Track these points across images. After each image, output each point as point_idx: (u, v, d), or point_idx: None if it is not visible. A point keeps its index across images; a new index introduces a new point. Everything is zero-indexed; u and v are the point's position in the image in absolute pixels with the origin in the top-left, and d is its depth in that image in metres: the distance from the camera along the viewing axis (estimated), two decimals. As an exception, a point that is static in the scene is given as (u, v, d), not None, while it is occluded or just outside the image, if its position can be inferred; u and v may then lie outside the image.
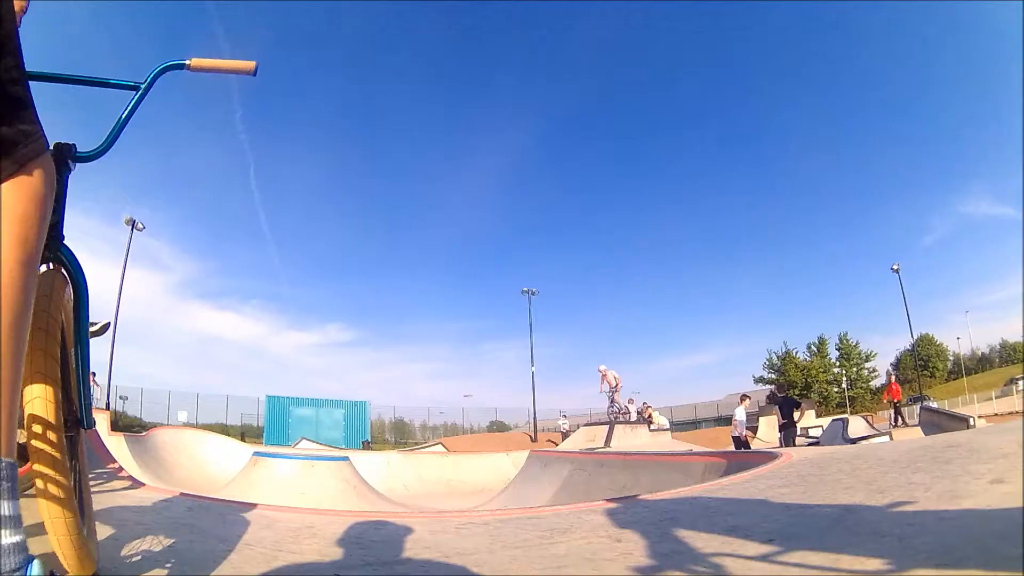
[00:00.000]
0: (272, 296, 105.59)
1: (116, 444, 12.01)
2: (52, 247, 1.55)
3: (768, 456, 5.15)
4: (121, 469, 3.98)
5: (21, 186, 1.17)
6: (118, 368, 43.60)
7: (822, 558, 1.76)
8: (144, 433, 17.13)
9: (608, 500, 3.84)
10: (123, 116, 1.82)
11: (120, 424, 27.22)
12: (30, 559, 1.00)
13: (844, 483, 3.06)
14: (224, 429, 35.78)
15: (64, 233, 1.55)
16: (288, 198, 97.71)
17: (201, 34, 71.44)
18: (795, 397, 20.55)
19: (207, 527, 2.59)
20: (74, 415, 1.69)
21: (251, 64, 2.04)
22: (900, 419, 23.79)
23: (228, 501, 3.56)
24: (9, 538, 0.99)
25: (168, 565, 1.84)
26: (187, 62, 1.97)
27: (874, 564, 1.65)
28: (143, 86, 1.88)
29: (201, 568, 1.88)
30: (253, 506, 3.11)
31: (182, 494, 3.37)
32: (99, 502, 2.67)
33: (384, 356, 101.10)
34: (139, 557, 1.88)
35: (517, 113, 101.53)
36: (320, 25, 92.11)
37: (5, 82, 1.17)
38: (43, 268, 1.55)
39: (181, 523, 2.57)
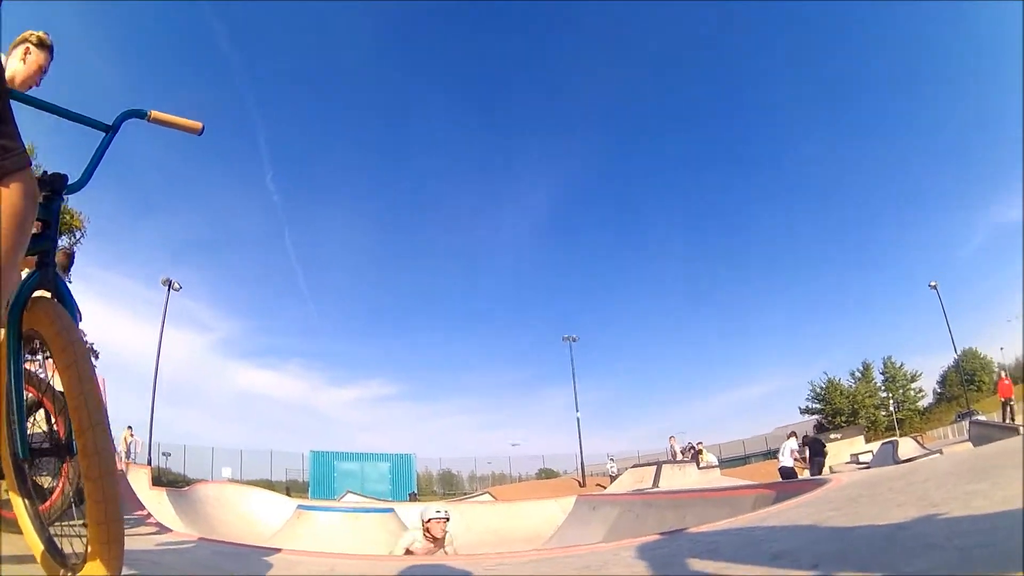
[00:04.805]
0: (312, 354, 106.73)
1: (157, 497, 12.12)
2: (46, 275, 1.57)
3: (817, 483, 5.04)
4: (149, 516, 3.97)
5: None
6: (161, 425, 44.62)
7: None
8: (187, 488, 17.28)
9: (650, 535, 3.69)
10: (97, 154, 1.97)
11: (164, 480, 27.61)
12: None
13: (896, 500, 2.90)
14: (269, 485, 35.91)
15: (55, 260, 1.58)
16: (323, 256, 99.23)
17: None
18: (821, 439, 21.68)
19: (226, 566, 2.51)
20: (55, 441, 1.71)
21: (198, 124, 2.26)
22: (1011, 417, 23.12)
23: (251, 546, 3.50)
24: None
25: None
26: (148, 112, 2.15)
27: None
28: (112, 126, 2.04)
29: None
30: (277, 551, 3.05)
31: (200, 539, 3.32)
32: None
33: (429, 409, 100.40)
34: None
35: (555, 160, 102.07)
36: (348, 79, 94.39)
37: None
38: (41, 293, 1.57)
39: (200, 563, 2.53)
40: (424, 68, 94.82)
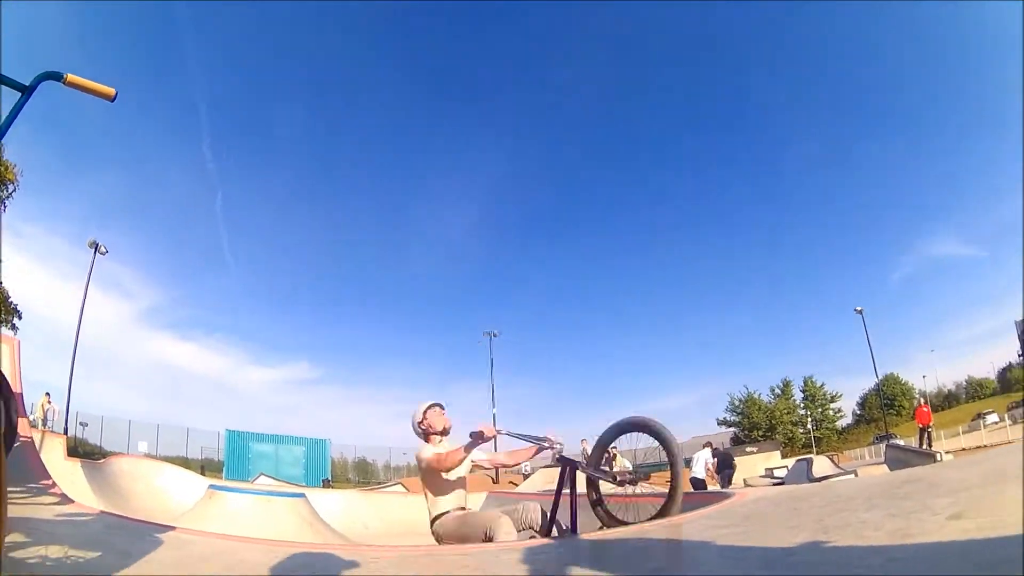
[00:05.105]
0: (236, 330, 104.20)
1: (71, 469, 11.84)
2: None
3: (721, 496, 5.11)
4: (53, 485, 4.03)
5: None
6: (80, 394, 42.85)
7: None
8: (102, 460, 16.83)
9: (535, 539, 3.88)
10: (12, 113, 2.00)
11: (80, 451, 26.72)
12: None
13: (791, 523, 2.93)
14: (185, 462, 35.22)
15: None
16: (256, 232, 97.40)
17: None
18: (731, 452, 22.37)
19: (117, 543, 2.57)
20: None
21: (111, 91, 2.29)
22: (928, 443, 23.92)
23: (151, 523, 3.61)
24: None
25: (60, 570, 1.88)
26: (64, 76, 2.18)
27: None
28: (28, 87, 2.07)
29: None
30: (172, 528, 3.17)
31: (102, 512, 3.42)
32: (20, 512, 2.74)
33: (348, 394, 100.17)
34: (35, 560, 1.92)
35: (490, 155, 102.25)
36: (295, 58, 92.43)
37: None
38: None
39: (93, 537, 2.60)
40: (373, 52, 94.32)
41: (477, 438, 4.37)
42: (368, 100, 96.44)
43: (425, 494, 4.68)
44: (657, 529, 3.71)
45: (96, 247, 31.42)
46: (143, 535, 2.96)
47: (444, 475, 4.59)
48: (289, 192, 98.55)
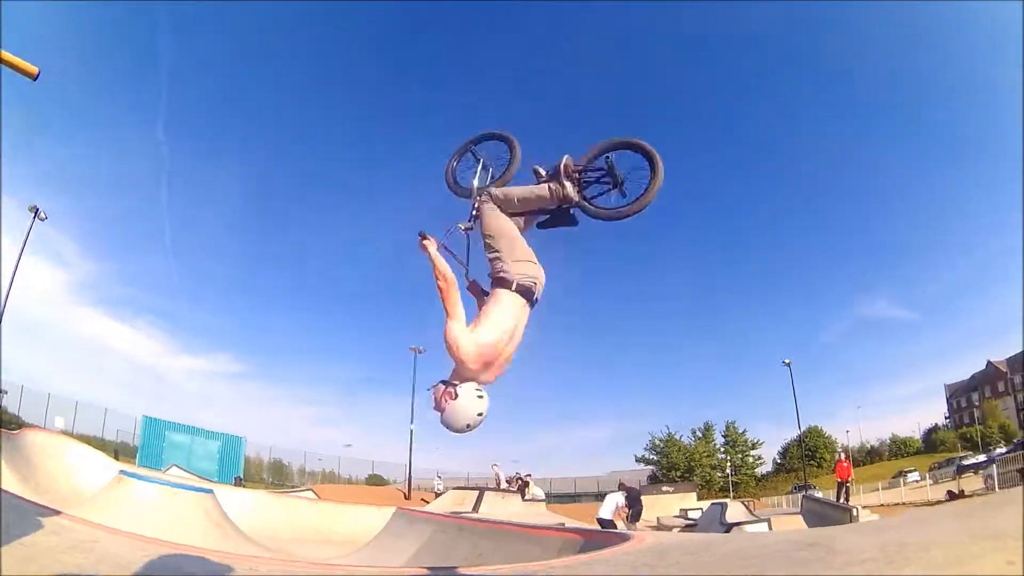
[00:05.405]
0: (166, 314, 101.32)
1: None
2: None
3: (621, 538, 5.16)
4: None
5: None
6: (5, 359, 40.94)
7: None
8: (17, 432, 16.58)
9: (426, 568, 3.98)
10: None
11: (-1, 418, 25.87)
12: None
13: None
14: (101, 443, 34.13)
15: None
16: (198, 219, 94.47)
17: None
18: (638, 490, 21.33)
19: None
20: None
21: (34, 69, 2.31)
22: (846, 498, 24.10)
23: (35, 503, 3.74)
24: None
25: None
26: None
27: None
28: None
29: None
30: (57, 513, 3.34)
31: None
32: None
33: (272, 394, 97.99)
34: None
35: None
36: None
37: None
38: None
39: None
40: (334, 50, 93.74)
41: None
42: (322, 101, 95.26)
43: None
44: (549, 568, 3.86)
45: (36, 212, 30.44)
46: (27, 515, 3.06)
47: None
48: (237, 184, 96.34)
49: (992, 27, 74.68)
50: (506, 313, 3.41)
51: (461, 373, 3.33)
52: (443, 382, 3.33)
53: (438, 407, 3.29)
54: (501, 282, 3.50)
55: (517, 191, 3.92)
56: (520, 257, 3.60)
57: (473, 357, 3.26)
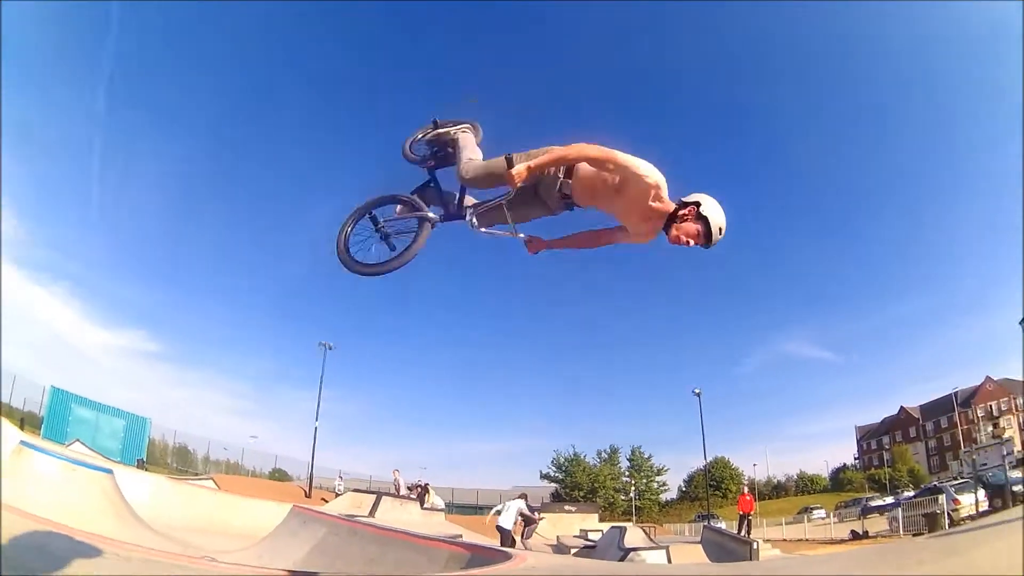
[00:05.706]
0: (84, 282, 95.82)
1: None
2: None
3: (504, 556, 5.14)
4: None
5: None
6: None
7: None
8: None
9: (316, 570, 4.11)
10: None
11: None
12: None
13: None
14: (9, 411, 32.74)
15: None
16: (129, 189, 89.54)
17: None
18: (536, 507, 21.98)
19: None
20: None
21: None
22: (747, 531, 24.38)
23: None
24: None
25: None
26: None
27: None
28: None
29: None
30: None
31: None
32: None
33: (183, 378, 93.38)
34: None
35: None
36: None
37: None
38: None
39: None
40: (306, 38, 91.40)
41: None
42: (273, 87, 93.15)
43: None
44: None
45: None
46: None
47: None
48: (174, 157, 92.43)
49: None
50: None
51: (639, 209, 3.21)
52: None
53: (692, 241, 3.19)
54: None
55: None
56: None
57: (653, 167, 3.15)
